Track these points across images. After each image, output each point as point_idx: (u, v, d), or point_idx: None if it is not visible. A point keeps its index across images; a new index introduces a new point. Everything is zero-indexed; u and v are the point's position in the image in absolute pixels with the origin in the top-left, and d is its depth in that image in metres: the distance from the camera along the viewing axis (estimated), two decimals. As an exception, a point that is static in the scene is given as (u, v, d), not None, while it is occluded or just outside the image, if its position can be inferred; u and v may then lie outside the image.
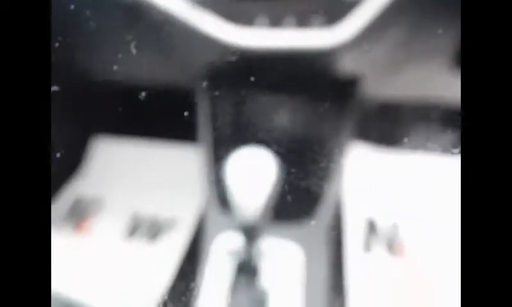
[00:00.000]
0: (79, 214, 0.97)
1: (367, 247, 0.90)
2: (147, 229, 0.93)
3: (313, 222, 0.63)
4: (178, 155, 1.04)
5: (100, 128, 1.08)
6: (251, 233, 0.48)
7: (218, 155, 0.65)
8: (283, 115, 0.42)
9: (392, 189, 0.99)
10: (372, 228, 0.94)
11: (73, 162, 1.06)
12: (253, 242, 0.50)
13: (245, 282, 0.57)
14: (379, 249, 0.90)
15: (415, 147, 0.97)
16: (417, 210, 0.96)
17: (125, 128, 1.04)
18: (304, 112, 0.58)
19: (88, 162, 1.06)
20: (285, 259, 0.59)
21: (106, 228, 0.94)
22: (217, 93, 0.62)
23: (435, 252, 0.89)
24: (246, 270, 0.57)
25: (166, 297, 0.63)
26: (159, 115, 0.96)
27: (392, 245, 0.91)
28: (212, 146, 0.67)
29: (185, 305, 0.55)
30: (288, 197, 0.55)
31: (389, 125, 0.92)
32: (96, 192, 1.02)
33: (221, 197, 0.64)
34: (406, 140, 0.96)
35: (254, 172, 0.40)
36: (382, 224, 0.94)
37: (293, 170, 0.49)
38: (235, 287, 0.56)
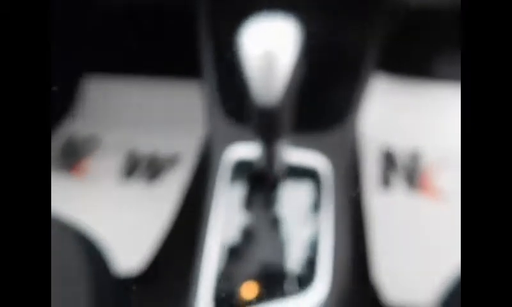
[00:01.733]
0: (73, 155, 0.91)
1: (386, 181, 0.83)
2: (146, 168, 0.87)
3: (339, 131, 0.55)
4: (178, 91, 0.96)
5: (94, 66, 0.99)
6: (270, 129, 0.37)
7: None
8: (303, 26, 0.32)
9: (412, 120, 0.90)
10: (390, 160, 0.86)
11: (66, 101, 0.98)
12: (272, 148, 0.40)
13: (261, 198, 0.51)
14: (398, 183, 0.82)
15: (440, 74, 0.87)
16: (439, 142, 0.87)
17: (120, 65, 0.96)
18: (327, 21, 0.48)
19: (81, 101, 0.98)
20: (309, 171, 0.52)
21: (102, 168, 0.88)
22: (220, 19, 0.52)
23: (457, 185, 0.81)
24: (263, 184, 0.51)
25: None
26: (156, 51, 0.90)
27: (412, 179, 0.83)
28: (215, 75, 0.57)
29: (192, 240, 0.49)
30: (311, 106, 0.47)
31: (415, 46, 0.81)
32: (91, 131, 0.95)
33: (227, 102, 0.55)
34: (433, 64, 0.86)
35: (272, 38, 0.30)
36: (401, 156, 0.86)
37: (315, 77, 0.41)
38: (249, 204, 0.51)
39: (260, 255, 0.46)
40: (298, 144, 0.51)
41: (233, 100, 0.53)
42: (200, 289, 0.45)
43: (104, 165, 0.88)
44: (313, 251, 0.46)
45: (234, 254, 0.47)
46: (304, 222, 0.49)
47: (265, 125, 0.36)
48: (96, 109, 0.97)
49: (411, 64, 0.89)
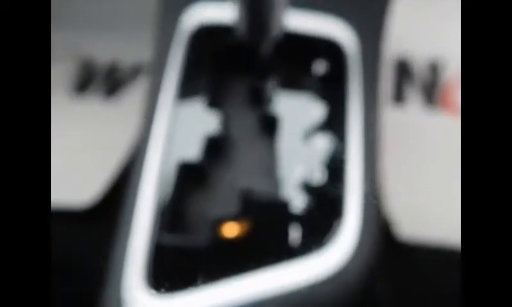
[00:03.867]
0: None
1: (400, 95, 0.68)
2: (102, 81, 0.70)
3: None
4: None
5: None
6: None
7: None
8: None
9: (433, 23, 0.73)
10: (405, 70, 0.70)
11: None
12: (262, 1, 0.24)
13: (242, 88, 0.33)
14: (414, 97, 0.68)
15: None
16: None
17: None
18: None
19: None
20: (323, 48, 0.33)
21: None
22: None
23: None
24: (244, 64, 0.32)
25: None
26: None
27: (431, 94, 0.69)
28: None
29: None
30: None
31: None
32: None
33: None
34: None
35: None
36: (418, 66, 0.71)
37: None
38: (221, 98, 0.33)
39: (239, 181, 0.30)
40: (307, 2, 0.32)
41: None
42: (132, 232, 0.29)
43: (51, 76, 0.71)
44: (331, 177, 0.29)
45: (194, 177, 0.30)
46: (313, 130, 0.31)
47: None
48: None
49: None
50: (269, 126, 0.31)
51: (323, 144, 0.30)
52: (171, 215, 0.28)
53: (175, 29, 0.32)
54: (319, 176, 0.29)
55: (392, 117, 0.65)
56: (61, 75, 0.72)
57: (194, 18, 0.32)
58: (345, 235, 0.27)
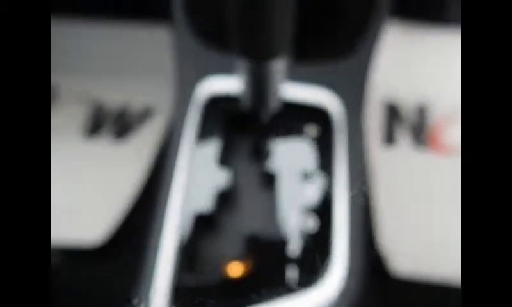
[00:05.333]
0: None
1: (390, 136, 0.72)
2: (112, 124, 0.75)
3: (352, 62, 0.41)
4: (147, 36, 0.82)
5: (53, 6, 0.84)
6: (260, 39, 0.25)
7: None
8: None
9: (421, 69, 0.79)
10: (395, 113, 0.75)
11: None
12: (262, 71, 0.28)
13: (246, 148, 0.39)
14: (404, 138, 0.72)
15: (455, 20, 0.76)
16: (450, 95, 0.77)
17: (81, 7, 0.82)
18: None
19: None
20: (313, 112, 0.39)
21: (62, 124, 0.76)
22: None
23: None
24: (248, 128, 0.38)
25: None
26: None
27: (419, 135, 0.73)
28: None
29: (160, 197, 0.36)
30: (318, 28, 0.34)
31: None
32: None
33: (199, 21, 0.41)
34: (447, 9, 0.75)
35: None
36: (407, 109, 0.76)
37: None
38: (229, 157, 0.38)
39: (244, 226, 0.35)
40: (300, 76, 0.38)
41: (208, 12, 0.40)
42: (155, 272, 0.34)
43: (64, 120, 0.76)
44: (321, 221, 0.34)
45: (207, 224, 0.35)
46: (306, 182, 0.37)
47: (252, 29, 0.24)
48: (54, 55, 0.83)
49: (423, 8, 0.77)
50: (269, 179, 0.36)
51: (315, 194, 0.35)
52: (187, 258, 0.33)
53: (191, 98, 0.37)
54: (311, 221, 0.34)
55: (383, 157, 0.69)
56: (74, 118, 0.77)
57: (207, 90, 0.38)
58: (334, 273, 0.31)
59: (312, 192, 0.36)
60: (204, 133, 0.37)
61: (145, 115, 0.76)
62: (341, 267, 0.32)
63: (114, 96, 0.78)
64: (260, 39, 0.24)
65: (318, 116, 0.38)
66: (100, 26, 0.84)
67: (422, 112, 0.76)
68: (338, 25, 0.40)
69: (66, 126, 0.75)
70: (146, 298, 0.32)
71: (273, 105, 0.32)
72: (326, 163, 0.36)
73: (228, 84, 0.37)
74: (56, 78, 0.81)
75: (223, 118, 0.37)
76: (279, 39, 0.24)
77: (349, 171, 0.36)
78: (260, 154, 0.37)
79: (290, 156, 0.37)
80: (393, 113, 0.75)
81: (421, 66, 0.80)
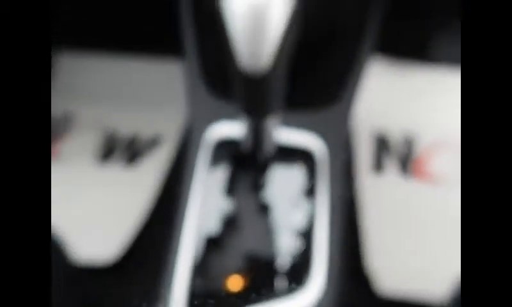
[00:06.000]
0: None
1: (379, 166, 0.79)
2: (124, 150, 0.81)
3: (334, 110, 0.50)
4: (158, 69, 0.89)
5: (69, 40, 0.91)
6: (258, 102, 0.32)
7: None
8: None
9: (406, 103, 0.86)
10: (383, 143, 0.82)
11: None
12: (260, 124, 0.36)
13: (247, 182, 0.47)
14: (391, 168, 0.79)
15: (436, 57, 0.83)
16: (434, 126, 0.83)
17: (97, 40, 0.89)
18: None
19: (54, 77, 0.91)
20: (301, 153, 0.48)
21: (77, 150, 0.82)
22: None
23: (453, 172, 0.78)
24: (249, 166, 0.46)
25: None
26: (135, 26, 0.84)
27: (406, 164, 0.79)
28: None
29: (172, 224, 0.44)
30: (304, 79, 0.42)
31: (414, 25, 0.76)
32: (64, 110, 0.88)
33: (209, 74, 0.50)
34: (430, 46, 0.82)
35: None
36: (394, 140, 0.82)
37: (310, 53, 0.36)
38: (233, 189, 0.46)
39: (244, 246, 0.42)
40: (290, 123, 0.46)
41: (216, 69, 0.48)
42: (174, 284, 0.40)
43: (79, 146, 0.82)
44: (306, 242, 0.42)
45: (214, 244, 0.42)
46: (295, 210, 0.45)
47: (252, 96, 0.31)
48: (71, 85, 0.90)
49: (408, 45, 0.84)
50: (264, 207, 0.44)
51: (302, 219, 0.43)
52: (199, 272, 0.40)
53: (201, 141, 0.45)
54: (297, 242, 0.42)
55: (371, 184, 0.75)
56: (87, 144, 0.83)
57: (215, 134, 0.47)
58: (313, 284, 0.39)
59: (299, 218, 0.44)
60: (213, 168, 0.46)
61: (154, 143, 0.82)
62: (320, 277, 0.41)
63: (126, 125, 0.84)
64: (258, 103, 0.32)
65: (305, 155, 0.46)
66: (114, 59, 0.91)
67: (408, 144, 0.82)
68: (324, 78, 0.48)
69: (81, 151, 0.81)
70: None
71: (268, 149, 0.41)
72: (310, 194, 0.45)
73: (234, 128, 0.46)
74: (72, 107, 0.88)
75: (228, 157, 0.46)
76: (273, 101, 0.32)
77: (330, 200, 0.44)
78: (258, 187, 0.45)
79: (282, 188, 0.45)
80: (381, 144, 0.81)
81: (408, 100, 0.86)
